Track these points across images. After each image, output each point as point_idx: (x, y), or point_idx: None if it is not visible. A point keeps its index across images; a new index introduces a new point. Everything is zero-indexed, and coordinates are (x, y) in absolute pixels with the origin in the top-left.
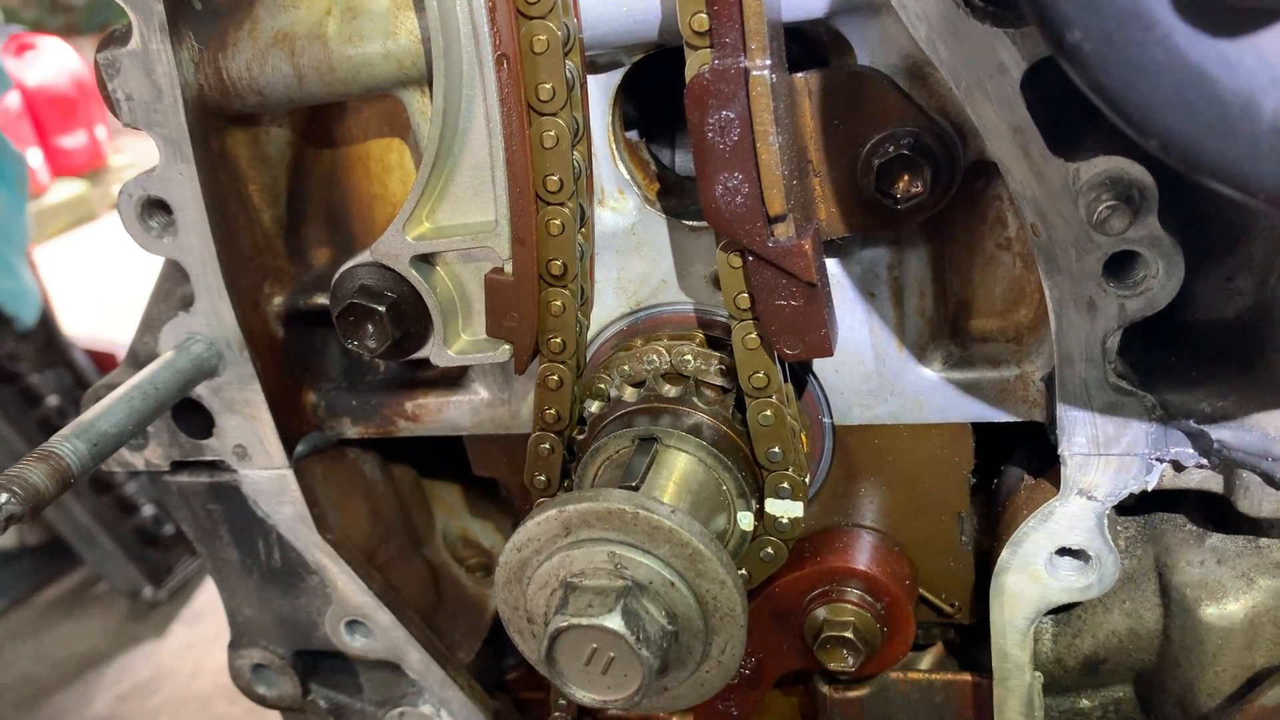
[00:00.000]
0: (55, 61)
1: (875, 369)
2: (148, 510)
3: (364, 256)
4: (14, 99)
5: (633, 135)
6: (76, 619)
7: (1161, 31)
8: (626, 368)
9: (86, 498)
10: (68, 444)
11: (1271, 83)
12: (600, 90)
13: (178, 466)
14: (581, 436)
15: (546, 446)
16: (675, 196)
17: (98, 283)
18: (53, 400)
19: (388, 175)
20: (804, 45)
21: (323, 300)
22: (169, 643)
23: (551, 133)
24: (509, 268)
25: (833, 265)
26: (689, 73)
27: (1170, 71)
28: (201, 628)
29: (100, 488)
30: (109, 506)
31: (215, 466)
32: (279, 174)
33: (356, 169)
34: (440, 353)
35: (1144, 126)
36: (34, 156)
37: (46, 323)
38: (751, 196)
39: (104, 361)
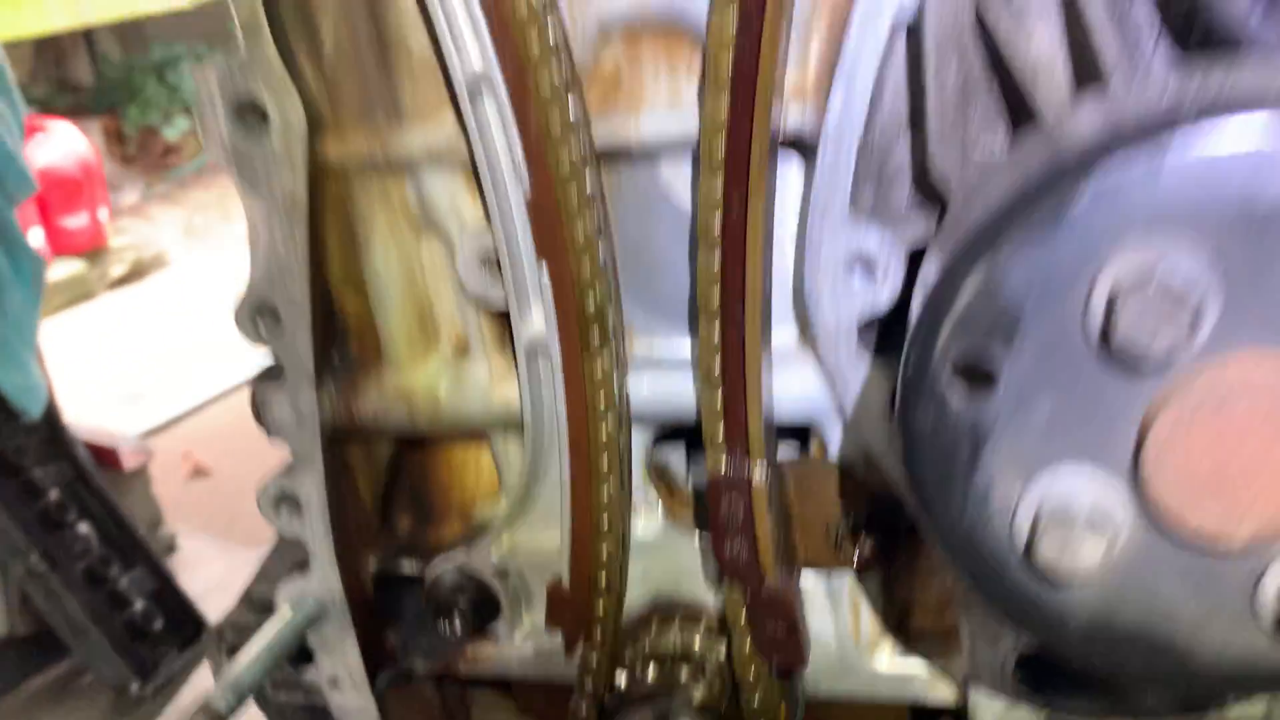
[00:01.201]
0: (63, 145)
1: (838, 657)
2: (139, 605)
3: (455, 559)
4: None
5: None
6: (63, 711)
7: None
8: (645, 646)
9: (81, 591)
10: (223, 701)
11: None
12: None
13: (278, 688)
14: (611, 704)
15: (583, 713)
16: (693, 510)
17: (93, 363)
18: (53, 494)
19: (464, 469)
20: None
21: (408, 566)
22: None
23: (606, 487)
24: (566, 581)
25: (810, 582)
26: (709, 468)
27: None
28: None
29: (94, 581)
30: (102, 600)
31: (310, 689)
32: (381, 471)
33: (441, 465)
34: (508, 637)
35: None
36: (35, 236)
37: (51, 415)
38: (751, 557)
39: (103, 455)
